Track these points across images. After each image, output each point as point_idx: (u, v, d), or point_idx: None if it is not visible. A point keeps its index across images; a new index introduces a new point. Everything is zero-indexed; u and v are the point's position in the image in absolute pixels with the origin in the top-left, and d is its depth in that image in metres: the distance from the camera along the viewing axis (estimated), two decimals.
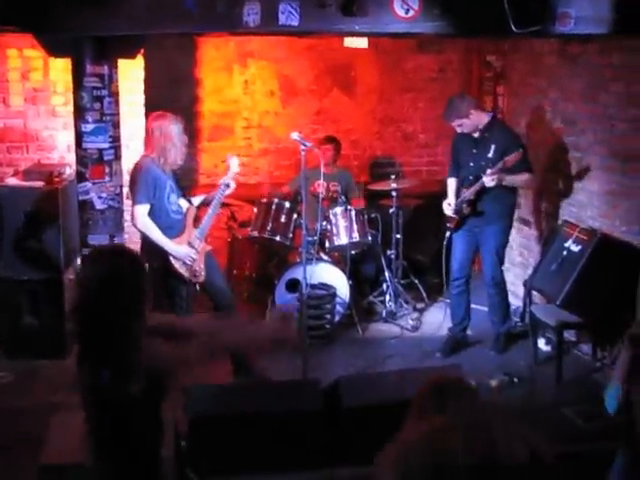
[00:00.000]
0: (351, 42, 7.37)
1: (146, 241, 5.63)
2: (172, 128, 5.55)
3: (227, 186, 5.86)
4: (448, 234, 6.64)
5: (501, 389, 5.81)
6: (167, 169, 5.59)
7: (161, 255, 5.56)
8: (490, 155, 6.25)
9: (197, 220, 5.87)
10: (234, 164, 5.99)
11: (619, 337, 6.04)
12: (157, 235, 5.49)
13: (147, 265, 6.22)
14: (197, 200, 6.08)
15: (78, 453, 4.92)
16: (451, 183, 6.68)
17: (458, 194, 6.54)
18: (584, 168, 6.65)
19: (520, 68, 7.87)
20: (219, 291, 5.88)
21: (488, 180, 6.08)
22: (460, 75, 9.00)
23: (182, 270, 5.59)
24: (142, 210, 5.45)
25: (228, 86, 8.55)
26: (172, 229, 5.61)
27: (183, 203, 5.84)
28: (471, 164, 6.43)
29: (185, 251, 5.60)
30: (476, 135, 6.41)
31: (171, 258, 5.56)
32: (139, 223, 5.48)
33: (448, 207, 6.55)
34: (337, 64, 8.73)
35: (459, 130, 6.39)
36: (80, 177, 4.79)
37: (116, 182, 4.86)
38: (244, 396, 4.72)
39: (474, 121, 6.32)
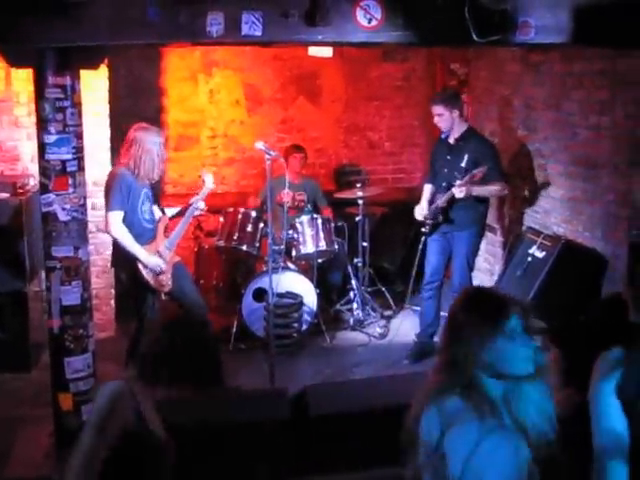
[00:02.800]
0: (316, 51, 7.40)
1: (116, 248, 5.64)
2: (152, 142, 5.56)
3: (197, 208, 5.92)
4: (423, 239, 6.68)
5: None
6: (143, 181, 5.59)
7: (130, 263, 5.56)
8: (463, 164, 6.30)
9: (167, 230, 5.87)
10: (209, 180, 6.01)
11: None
12: (129, 242, 5.49)
13: (115, 272, 6.26)
14: (171, 212, 6.09)
15: (43, 467, 4.91)
16: (426, 189, 6.73)
17: (432, 200, 6.58)
18: (547, 176, 6.72)
19: (484, 76, 7.94)
20: (191, 300, 5.87)
21: (457, 191, 6.14)
22: (424, 83, 9.07)
23: (149, 278, 5.58)
24: (116, 217, 5.46)
25: (193, 95, 8.55)
26: (142, 237, 5.61)
27: (156, 212, 5.85)
28: (445, 170, 6.48)
29: (155, 261, 5.59)
30: (452, 142, 6.46)
31: (140, 266, 5.55)
32: (113, 230, 5.49)
33: (419, 212, 6.59)
34: (302, 73, 8.75)
35: (436, 120, 6.41)
36: (43, 188, 4.73)
37: (80, 193, 4.80)
38: (210, 405, 4.70)
39: (453, 120, 6.37)
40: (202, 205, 5.98)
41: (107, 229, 5.54)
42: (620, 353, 2.68)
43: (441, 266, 6.68)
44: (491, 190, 6.41)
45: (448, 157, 6.49)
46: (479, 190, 6.24)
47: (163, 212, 5.98)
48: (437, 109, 6.38)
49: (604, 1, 4.79)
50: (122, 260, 5.63)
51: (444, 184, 6.44)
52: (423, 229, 6.62)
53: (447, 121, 6.39)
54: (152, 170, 5.60)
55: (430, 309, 6.71)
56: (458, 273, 6.57)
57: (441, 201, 6.39)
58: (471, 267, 6.60)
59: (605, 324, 3.13)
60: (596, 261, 5.97)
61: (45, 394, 5.20)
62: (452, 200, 6.32)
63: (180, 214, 6.01)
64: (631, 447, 2.52)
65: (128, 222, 5.53)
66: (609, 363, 2.66)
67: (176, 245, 5.90)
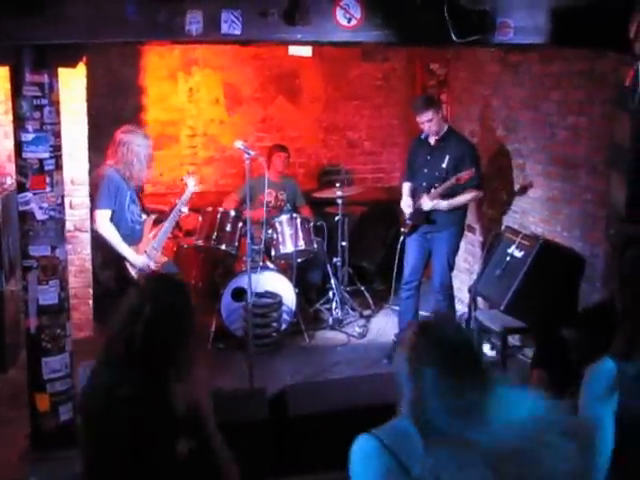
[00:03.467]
0: (295, 50, 7.38)
1: (103, 246, 5.64)
2: (139, 144, 5.60)
3: (180, 211, 5.91)
4: (402, 238, 6.69)
5: None
6: (129, 183, 5.60)
7: (117, 261, 5.54)
8: (444, 165, 6.32)
9: (151, 232, 5.87)
10: (191, 183, 6.02)
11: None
12: (116, 240, 5.50)
13: (94, 272, 6.22)
14: (153, 216, 6.09)
15: (19, 469, 4.86)
16: (406, 186, 6.75)
17: (413, 195, 6.59)
18: (526, 176, 6.75)
19: (463, 76, 7.96)
20: None
21: (425, 202, 6.21)
22: (404, 83, 9.08)
23: (137, 277, 5.56)
24: (104, 215, 5.48)
25: (173, 94, 8.52)
26: (130, 237, 5.63)
27: (142, 214, 5.84)
28: (425, 170, 6.49)
29: (143, 260, 5.60)
30: (432, 142, 6.47)
31: (127, 265, 5.54)
32: (101, 228, 5.50)
33: (407, 207, 6.59)
34: (282, 72, 8.74)
35: (426, 127, 6.40)
36: (20, 187, 4.69)
37: (57, 192, 4.76)
38: None
39: (440, 123, 6.39)
40: (185, 209, 6.00)
41: (95, 227, 5.56)
42: (613, 365, 2.55)
43: (420, 266, 6.69)
44: (460, 201, 6.43)
45: (428, 157, 6.49)
46: (448, 204, 6.30)
47: (147, 214, 5.97)
48: (427, 115, 6.35)
49: (582, 3, 4.83)
50: (109, 258, 5.63)
51: (424, 184, 6.45)
52: (403, 229, 6.64)
53: (437, 125, 6.39)
54: (141, 171, 5.64)
55: (409, 309, 6.72)
56: (438, 273, 6.59)
57: (425, 206, 6.40)
58: (451, 267, 6.62)
59: (594, 335, 3.04)
60: (574, 260, 6.00)
61: (22, 395, 5.16)
62: None
63: (161, 220, 6.00)
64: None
65: (116, 221, 5.54)
66: (603, 379, 2.55)
67: (163, 246, 5.91)
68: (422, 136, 6.58)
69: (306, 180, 8.82)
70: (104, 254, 5.72)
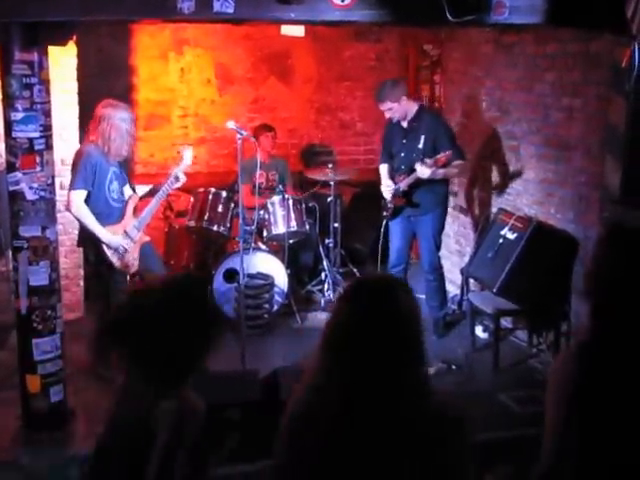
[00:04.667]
0: (288, 30, 7.33)
1: (82, 228, 5.59)
2: (121, 118, 5.51)
3: (177, 179, 5.81)
4: (385, 222, 6.67)
5: (439, 376, 5.84)
6: (110, 158, 5.51)
7: (95, 243, 5.49)
8: (420, 146, 6.29)
9: (137, 210, 5.80)
10: (187, 156, 5.94)
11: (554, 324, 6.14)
12: (90, 221, 5.44)
13: (83, 251, 6.18)
14: (144, 189, 6.02)
15: (10, 450, 4.85)
16: (383, 168, 6.71)
17: (392, 178, 6.56)
18: (519, 157, 6.73)
19: (456, 57, 7.91)
20: None
21: (421, 169, 6.12)
22: (397, 64, 9.04)
23: (114, 259, 5.53)
24: (78, 195, 5.41)
25: (164, 74, 8.46)
26: (110, 216, 5.57)
27: (127, 191, 5.78)
28: (402, 154, 6.46)
29: (119, 240, 5.54)
30: (405, 125, 6.44)
31: (104, 246, 5.49)
32: (73, 208, 5.44)
33: (387, 190, 6.55)
34: (274, 52, 8.69)
35: (388, 115, 6.39)
36: (10, 167, 4.65)
37: (48, 172, 4.71)
38: None
39: (404, 108, 6.35)
40: (182, 176, 5.85)
41: (68, 207, 5.49)
42: None
43: (405, 250, 6.69)
44: (454, 172, 6.43)
45: (404, 141, 6.46)
46: (443, 172, 6.24)
47: (134, 191, 5.90)
48: (384, 105, 6.34)
49: None
50: (88, 240, 5.58)
51: (403, 167, 6.42)
52: (384, 213, 6.61)
53: (399, 111, 6.36)
54: (121, 147, 5.55)
55: None
56: (427, 255, 6.58)
57: (403, 184, 6.37)
58: (438, 247, 6.63)
59: None
60: (568, 243, 5.98)
61: (12, 376, 5.13)
62: (415, 183, 6.32)
63: (151, 193, 5.93)
64: None
65: (94, 200, 5.47)
66: None
67: (146, 225, 5.84)
68: (394, 119, 6.54)
69: (298, 161, 8.79)
70: (83, 235, 5.65)
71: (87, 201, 5.45)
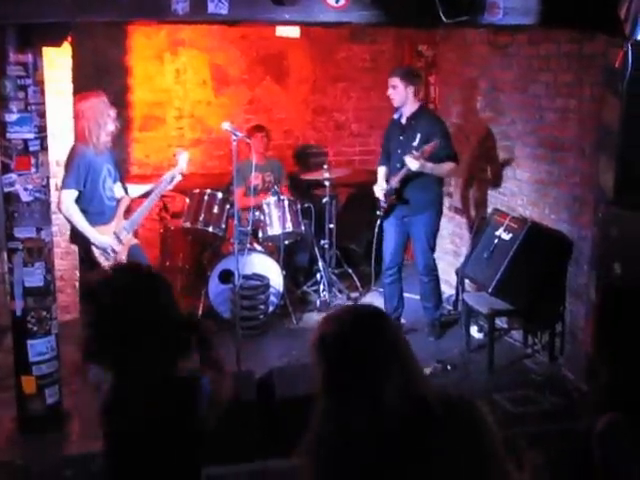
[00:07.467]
0: (283, 31, 7.34)
1: (73, 228, 5.58)
2: (92, 107, 5.47)
3: (171, 179, 5.81)
4: (379, 222, 6.68)
5: (435, 376, 5.85)
6: (99, 150, 5.50)
7: (84, 242, 5.49)
8: (415, 144, 6.29)
9: (128, 211, 5.79)
10: (183, 160, 5.94)
11: (549, 324, 6.16)
12: (79, 220, 5.45)
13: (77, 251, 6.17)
14: (138, 190, 6.00)
15: (6, 452, 4.85)
16: (381, 170, 6.73)
17: (388, 181, 6.57)
18: (514, 158, 6.74)
19: (451, 58, 7.92)
20: None
21: (409, 161, 6.12)
22: (392, 65, 8.99)
23: (101, 260, 5.51)
24: (68, 195, 5.41)
25: (159, 75, 8.45)
26: (103, 215, 5.57)
27: (118, 190, 5.76)
28: (399, 151, 6.46)
29: (107, 241, 5.53)
30: (404, 122, 6.45)
31: (92, 247, 5.49)
32: (63, 208, 5.44)
33: (379, 190, 6.56)
34: (269, 53, 8.69)
35: (390, 92, 6.38)
36: (5, 168, 4.65)
37: (42, 173, 4.72)
38: None
39: (407, 96, 6.35)
40: (178, 177, 5.88)
41: (58, 206, 5.48)
42: None
43: (400, 251, 6.71)
44: (442, 170, 6.41)
45: (401, 138, 6.48)
46: (431, 167, 6.23)
47: (126, 191, 5.87)
48: (393, 80, 6.36)
49: None
50: (79, 237, 5.58)
51: (398, 165, 6.42)
52: (378, 212, 6.62)
53: (400, 95, 6.35)
54: (101, 134, 5.49)
55: (393, 294, 6.74)
56: (421, 256, 6.60)
57: (396, 180, 6.38)
58: (432, 248, 6.63)
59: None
60: (562, 243, 6.00)
61: (8, 377, 5.13)
62: (406, 180, 6.33)
63: (145, 195, 5.93)
64: None
65: (88, 199, 5.47)
66: None
67: (137, 227, 5.83)
68: (395, 117, 6.55)
69: (293, 162, 8.80)
70: (73, 235, 5.65)
71: (81, 200, 5.45)
